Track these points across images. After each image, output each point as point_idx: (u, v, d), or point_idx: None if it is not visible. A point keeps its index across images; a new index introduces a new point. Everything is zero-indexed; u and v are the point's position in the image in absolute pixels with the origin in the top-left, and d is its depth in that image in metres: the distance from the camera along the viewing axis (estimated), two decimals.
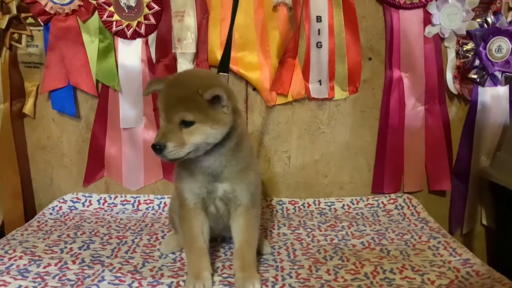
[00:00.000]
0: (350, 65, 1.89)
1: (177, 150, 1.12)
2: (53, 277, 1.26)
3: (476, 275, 1.28)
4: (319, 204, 1.95)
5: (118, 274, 1.29)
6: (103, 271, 1.31)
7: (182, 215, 1.31)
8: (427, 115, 1.93)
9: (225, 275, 1.30)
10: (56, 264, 1.34)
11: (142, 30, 1.84)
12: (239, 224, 1.30)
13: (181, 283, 1.25)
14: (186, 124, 1.13)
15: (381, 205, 1.93)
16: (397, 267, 1.34)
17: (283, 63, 1.87)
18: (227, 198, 1.28)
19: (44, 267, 1.32)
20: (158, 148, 1.11)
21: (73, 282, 1.24)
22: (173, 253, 1.46)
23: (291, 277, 1.30)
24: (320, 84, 1.90)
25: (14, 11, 1.82)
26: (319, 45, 1.87)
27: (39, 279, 1.25)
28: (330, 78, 1.90)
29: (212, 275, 1.26)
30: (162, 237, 1.59)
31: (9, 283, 1.21)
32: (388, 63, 1.90)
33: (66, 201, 1.91)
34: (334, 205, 1.95)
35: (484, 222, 1.99)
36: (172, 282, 1.25)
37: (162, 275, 1.30)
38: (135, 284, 1.24)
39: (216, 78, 1.34)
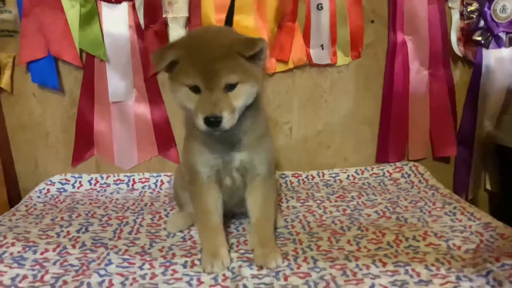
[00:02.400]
0: (352, 28, 1.80)
1: (231, 117, 1.02)
2: (54, 263, 1.14)
3: (501, 237, 1.25)
4: (323, 176, 1.89)
5: (126, 256, 1.19)
6: (108, 254, 1.20)
7: (194, 191, 1.21)
8: (431, 79, 1.88)
9: (242, 251, 1.21)
10: (54, 250, 1.22)
11: None
12: (256, 196, 1.21)
13: (196, 262, 1.16)
14: (230, 87, 1.02)
15: (387, 174, 1.88)
16: (419, 234, 1.29)
17: (282, 27, 1.76)
18: (244, 169, 1.19)
19: (42, 253, 1.20)
20: (214, 120, 0.99)
21: (77, 268, 1.12)
22: (180, 231, 1.36)
23: (311, 249, 1.22)
24: (322, 49, 1.81)
25: None
26: (319, 7, 1.77)
27: (37, 266, 1.13)
28: (332, 42, 1.80)
29: (229, 252, 1.18)
30: (166, 216, 1.48)
31: (5, 272, 1.09)
32: (391, 26, 1.82)
33: (54, 183, 1.77)
34: (338, 176, 1.89)
35: (488, 187, 1.98)
36: (186, 262, 1.16)
37: (173, 255, 1.20)
38: (146, 265, 1.14)
39: (235, 31, 1.20)
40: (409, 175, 1.84)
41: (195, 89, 1.03)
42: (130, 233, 1.35)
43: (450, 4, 1.83)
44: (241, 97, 1.04)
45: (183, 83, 1.03)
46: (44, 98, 1.78)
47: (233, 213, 1.42)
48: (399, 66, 1.84)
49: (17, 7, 1.68)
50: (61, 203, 1.63)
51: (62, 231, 1.35)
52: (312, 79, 1.86)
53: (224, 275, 1.09)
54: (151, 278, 1.08)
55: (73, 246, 1.24)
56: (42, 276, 1.08)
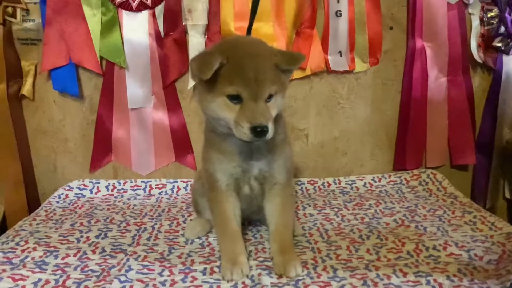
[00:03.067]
0: (371, 35, 1.80)
1: (272, 127, 1.04)
2: (75, 269, 1.15)
3: None
4: (339, 183, 1.88)
5: (145, 263, 1.19)
6: (127, 260, 1.21)
7: (213, 198, 1.21)
8: (450, 86, 1.86)
9: (261, 259, 1.21)
10: (75, 255, 1.23)
11: (149, 1, 1.71)
12: (275, 204, 1.21)
13: (215, 269, 1.16)
14: (269, 97, 1.05)
15: (404, 182, 1.86)
16: (439, 243, 1.27)
17: (300, 34, 1.77)
18: (262, 177, 1.19)
19: (63, 258, 1.21)
20: (261, 130, 1.00)
21: (98, 273, 1.13)
22: (199, 238, 1.36)
23: (330, 258, 1.21)
24: (341, 56, 1.80)
25: None
26: (338, 14, 1.77)
27: (59, 271, 1.14)
28: (350, 49, 1.80)
29: (248, 260, 1.17)
30: (184, 222, 1.49)
31: (27, 276, 1.10)
32: (410, 32, 1.81)
33: (72, 188, 1.79)
34: (355, 183, 1.87)
35: (507, 195, 1.94)
36: (205, 269, 1.16)
37: (192, 261, 1.20)
38: (166, 272, 1.14)
39: (265, 42, 1.22)
40: (427, 183, 1.82)
41: (236, 99, 1.03)
42: (148, 239, 1.36)
43: (470, 10, 1.81)
44: (276, 107, 1.08)
45: (223, 92, 1.03)
46: (64, 104, 1.81)
47: (249, 220, 1.42)
48: (418, 72, 1.83)
49: (41, 16, 1.71)
50: (80, 208, 1.64)
51: (82, 236, 1.37)
52: (329, 85, 1.86)
53: (243, 282, 1.09)
54: (171, 285, 1.08)
55: (93, 252, 1.25)
56: (64, 281, 1.09)
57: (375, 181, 1.88)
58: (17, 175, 1.77)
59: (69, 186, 1.80)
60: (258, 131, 1.00)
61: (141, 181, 1.84)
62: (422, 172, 1.88)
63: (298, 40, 1.77)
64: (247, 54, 1.05)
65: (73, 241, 1.33)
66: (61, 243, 1.31)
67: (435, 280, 1.07)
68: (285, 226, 1.21)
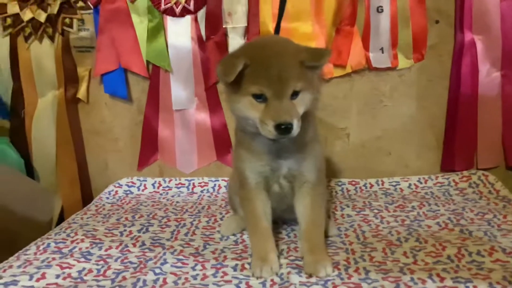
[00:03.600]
0: (415, 29, 1.73)
1: (298, 124, 1.05)
2: (115, 260, 1.23)
3: None
4: (382, 184, 1.82)
5: (180, 257, 1.24)
6: (164, 253, 1.27)
7: (243, 196, 1.23)
8: (504, 81, 1.74)
9: (292, 258, 1.21)
10: (117, 247, 1.31)
11: (191, 6, 1.77)
12: (305, 203, 1.21)
13: (246, 265, 1.18)
14: (294, 94, 1.05)
15: (453, 184, 1.76)
16: (484, 249, 1.20)
17: (340, 31, 1.74)
18: (291, 176, 1.19)
19: (106, 250, 1.30)
20: (286, 127, 1.01)
21: (135, 265, 1.20)
22: (233, 234, 1.40)
23: (364, 260, 1.19)
24: (382, 52, 1.75)
25: None
26: (379, 9, 1.72)
27: (102, 262, 1.22)
28: (392, 45, 1.74)
29: (278, 257, 1.18)
30: (221, 219, 1.53)
31: (73, 265, 1.19)
32: (458, 25, 1.72)
33: (122, 185, 1.90)
34: (399, 184, 1.81)
35: None
36: (237, 265, 1.19)
37: (225, 257, 1.23)
38: (199, 266, 1.19)
39: (293, 41, 1.23)
40: (477, 185, 1.71)
41: (260, 98, 1.05)
42: (186, 234, 1.41)
43: None
44: (303, 104, 1.07)
45: (248, 92, 1.05)
46: (114, 106, 1.93)
47: (284, 219, 1.43)
48: (467, 67, 1.73)
49: (94, 25, 1.84)
50: (127, 204, 1.74)
51: (125, 230, 1.45)
52: (371, 83, 1.81)
53: (272, 280, 1.10)
54: (202, 279, 1.12)
55: (134, 245, 1.33)
56: (105, 271, 1.17)
57: (421, 183, 1.80)
58: (73, 172, 1.92)
59: (118, 183, 1.91)
60: (283, 128, 1.01)
61: (185, 179, 1.92)
62: (473, 174, 1.77)
63: (337, 38, 1.75)
64: (270, 53, 1.06)
65: (117, 234, 1.42)
66: (106, 236, 1.40)
67: (475, 287, 1.01)
68: (316, 225, 1.20)
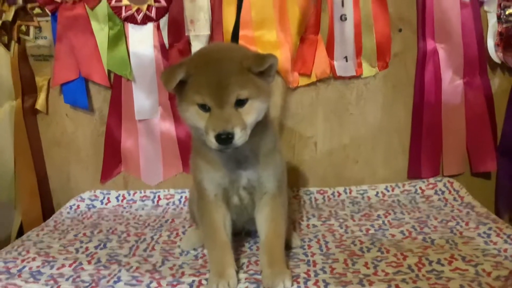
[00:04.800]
0: (379, 38, 1.73)
1: (243, 134, 1.00)
2: (67, 279, 1.17)
3: None
4: (350, 193, 1.81)
5: (136, 274, 1.19)
6: (119, 271, 1.21)
7: (201, 208, 1.19)
8: (467, 89, 1.75)
9: (251, 272, 1.18)
10: (70, 265, 1.25)
11: (153, 14, 1.73)
12: (265, 214, 1.18)
13: (204, 281, 1.14)
14: (240, 103, 1.01)
15: (419, 191, 1.76)
16: (444, 257, 1.19)
17: (305, 40, 1.73)
18: (251, 187, 1.16)
19: (58, 268, 1.24)
20: (226, 137, 0.97)
21: (87, 284, 1.14)
22: (194, 249, 1.35)
23: (325, 272, 1.16)
24: (346, 61, 1.75)
25: (20, 1, 1.74)
26: (343, 18, 1.72)
27: (51, 282, 1.16)
28: (357, 53, 1.74)
29: (237, 272, 1.14)
30: (183, 233, 1.48)
31: (20, 286, 1.13)
32: (420, 34, 1.73)
33: (84, 199, 1.84)
34: (367, 193, 1.80)
35: None
36: (193, 281, 1.14)
37: (182, 273, 1.19)
38: (154, 284, 1.14)
39: (245, 47, 1.20)
40: (443, 192, 1.72)
41: (205, 107, 1.02)
42: (145, 250, 1.36)
43: (486, 8, 1.70)
44: (252, 113, 1.02)
45: (193, 102, 1.02)
46: (76, 117, 1.86)
47: (247, 231, 1.39)
48: (430, 75, 1.74)
49: (52, 33, 1.78)
50: (88, 219, 1.68)
51: (82, 246, 1.39)
52: (337, 92, 1.80)
53: None
54: None
55: (89, 262, 1.27)
56: None
57: (388, 191, 1.80)
58: (32, 186, 1.84)
59: (81, 197, 1.85)
60: (223, 138, 0.97)
61: (150, 192, 1.86)
62: (439, 181, 1.78)
63: (302, 46, 1.74)
64: (211, 60, 1.03)
65: (72, 252, 1.36)
66: (60, 253, 1.34)
67: None
68: (276, 237, 1.17)
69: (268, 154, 1.15)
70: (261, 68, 1.00)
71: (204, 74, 1.00)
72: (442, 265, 1.15)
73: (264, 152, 1.14)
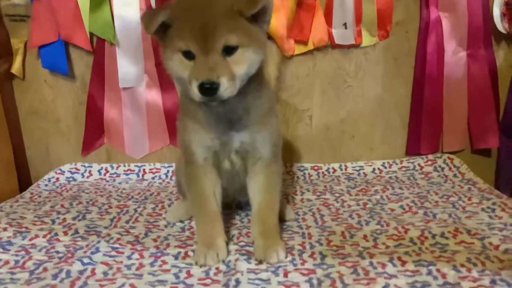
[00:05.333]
0: (380, 5, 1.64)
1: (231, 85, 0.89)
2: (39, 250, 1.07)
3: None
4: (346, 169, 1.73)
5: (116, 245, 1.10)
6: (98, 242, 1.12)
7: (189, 174, 1.09)
8: (470, 61, 1.67)
9: (242, 244, 1.09)
10: (44, 236, 1.15)
11: None
12: (258, 182, 1.08)
13: (190, 253, 1.05)
14: (229, 50, 0.90)
15: (418, 168, 1.70)
16: (448, 230, 1.12)
17: (302, 5, 1.63)
18: (244, 151, 1.06)
19: (31, 239, 1.13)
20: (210, 87, 0.86)
21: (61, 255, 1.04)
22: (181, 221, 1.26)
23: (321, 244, 1.08)
24: (346, 29, 1.65)
25: None
26: None
27: (22, 252, 1.06)
28: (356, 21, 1.65)
29: (227, 244, 1.06)
30: (169, 206, 1.39)
31: None
32: (424, 2, 1.64)
33: (64, 172, 1.73)
34: (363, 169, 1.72)
35: None
36: (179, 253, 1.05)
37: (167, 245, 1.10)
38: (135, 255, 1.04)
39: None
40: (442, 169, 1.65)
41: (190, 55, 0.91)
42: (127, 222, 1.27)
43: None
44: (242, 63, 0.91)
45: (176, 49, 0.92)
46: (55, 84, 1.74)
47: (238, 203, 1.30)
48: (433, 46, 1.66)
49: None
50: (67, 191, 1.57)
51: (58, 218, 1.29)
52: (334, 62, 1.71)
53: (217, 268, 0.98)
54: (137, 269, 0.98)
55: (65, 233, 1.17)
56: (24, 262, 1.01)
57: (385, 167, 1.72)
58: (8, 158, 1.71)
59: (60, 169, 1.73)
60: (206, 88, 0.86)
61: (135, 165, 1.76)
62: (438, 157, 1.71)
63: (299, 11, 1.63)
64: (198, 2, 0.92)
65: (48, 223, 1.25)
66: (34, 224, 1.23)
67: (438, 270, 0.92)
68: (269, 206, 1.08)
69: (263, 115, 1.05)
70: (253, 9, 0.89)
71: (189, 17, 0.90)
72: (447, 238, 1.08)
73: (259, 113, 1.04)
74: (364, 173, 1.70)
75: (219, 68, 0.88)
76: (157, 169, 1.75)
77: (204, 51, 0.89)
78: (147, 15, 0.93)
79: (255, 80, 0.99)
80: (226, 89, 0.88)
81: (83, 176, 1.72)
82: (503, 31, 1.63)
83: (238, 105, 0.99)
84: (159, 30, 0.92)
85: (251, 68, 0.93)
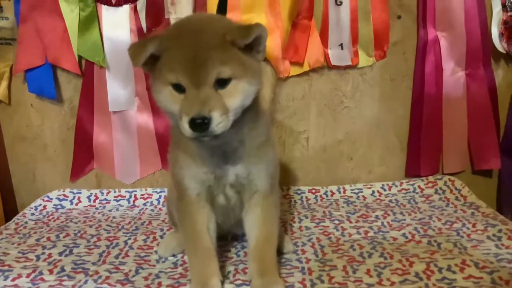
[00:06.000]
0: (376, 25, 1.60)
1: (224, 119, 0.84)
2: None
3: None
4: (344, 192, 1.68)
5: (104, 285, 1.03)
6: (85, 281, 1.05)
7: (182, 209, 1.04)
8: (469, 81, 1.64)
9: (238, 282, 1.03)
10: (28, 275, 1.08)
11: None
12: (255, 215, 1.03)
13: None
14: (222, 83, 0.85)
15: (418, 190, 1.65)
16: (455, 263, 1.06)
17: (297, 25, 1.59)
18: (240, 184, 1.01)
19: (13, 280, 1.06)
20: (201, 122, 0.81)
21: None
22: (173, 255, 1.20)
23: (322, 281, 1.02)
24: (342, 49, 1.62)
25: None
26: (338, 2, 1.59)
27: None
28: (353, 41, 1.61)
29: (222, 283, 1.00)
30: (161, 237, 1.32)
31: None
32: (421, 21, 1.61)
33: (52, 199, 1.66)
34: (362, 192, 1.67)
35: None
36: None
37: (159, 284, 1.04)
38: None
39: (230, 19, 1.04)
40: (444, 191, 1.60)
41: (180, 88, 0.86)
42: (117, 256, 1.20)
43: None
44: (236, 96, 0.86)
45: (166, 81, 0.87)
46: (42, 108, 1.68)
47: (234, 235, 1.24)
48: (431, 66, 1.62)
49: (15, 13, 1.60)
50: (54, 221, 1.50)
51: (44, 253, 1.22)
52: (331, 83, 1.67)
53: None
54: None
55: (50, 272, 1.10)
56: None
57: (385, 190, 1.67)
58: None
59: (48, 196, 1.66)
60: (198, 123, 0.81)
61: (126, 191, 1.69)
62: (439, 179, 1.66)
63: (294, 32, 1.60)
64: (189, 32, 0.87)
65: (32, 259, 1.18)
66: (18, 261, 1.16)
67: None
68: (267, 241, 1.02)
69: (259, 147, 1.00)
70: (246, 40, 0.84)
71: (179, 48, 0.85)
72: (454, 272, 1.03)
73: (255, 145, 0.99)
74: (363, 196, 1.65)
75: (211, 102, 0.83)
76: (148, 194, 1.68)
77: (195, 84, 0.84)
78: (134, 47, 0.88)
79: (251, 111, 0.94)
80: (219, 123, 0.83)
81: (71, 203, 1.65)
82: (501, 50, 1.61)
83: (232, 138, 0.94)
84: (148, 62, 0.87)
85: (245, 100, 0.88)
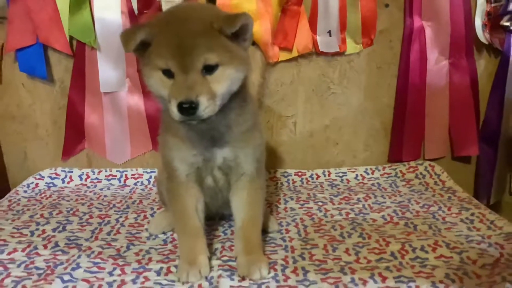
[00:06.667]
0: (364, 13, 1.64)
1: (210, 104, 0.88)
2: (18, 265, 1.05)
3: None
4: (329, 175, 1.74)
5: (97, 260, 1.08)
6: (79, 256, 1.10)
7: (171, 190, 1.08)
8: (452, 70, 1.70)
9: (225, 258, 1.09)
10: (23, 250, 1.13)
11: None
12: (242, 197, 1.08)
13: (173, 268, 1.04)
14: (210, 69, 0.89)
15: (400, 174, 1.72)
16: (428, 244, 1.13)
17: (287, 11, 1.62)
18: (227, 167, 1.05)
19: (9, 254, 1.11)
20: (189, 107, 0.85)
21: (41, 271, 1.02)
22: (163, 233, 1.25)
23: (303, 258, 1.09)
24: (330, 36, 1.65)
25: None
26: None
27: (1, 268, 1.03)
28: (341, 28, 1.65)
29: (210, 259, 1.05)
30: (151, 215, 1.37)
31: None
32: (407, 10, 1.65)
33: (43, 177, 1.69)
34: (346, 175, 1.74)
35: None
36: (161, 268, 1.04)
37: (149, 259, 1.09)
38: (117, 271, 1.03)
39: (219, 8, 1.08)
40: (424, 176, 1.67)
41: (169, 73, 0.90)
42: (109, 233, 1.25)
43: None
44: (223, 81, 0.91)
45: (156, 67, 0.91)
46: (33, 88, 1.69)
47: (222, 215, 1.30)
48: (416, 55, 1.67)
49: None
50: (47, 198, 1.54)
51: (38, 229, 1.26)
52: (319, 69, 1.71)
53: (200, 285, 0.97)
54: (118, 286, 0.97)
55: (45, 247, 1.15)
56: (3, 279, 0.98)
57: (368, 173, 1.74)
58: None
59: (40, 174, 1.70)
60: (185, 107, 0.86)
61: (117, 171, 1.73)
62: (420, 164, 1.73)
63: (284, 18, 1.63)
64: (178, 20, 0.91)
65: (27, 234, 1.23)
66: (13, 237, 1.21)
67: (417, 287, 0.94)
68: (253, 222, 1.07)
69: (246, 131, 1.04)
70: (233, 28, 0.89)
71: (168, 35, 0.89)
72: (426, 252, 1.10)
73: (242, 129, 1.04)
74: (347, 179, 1.72)
75: (198, 87, 0.87)
76: (139, 174, 1.73)
77: (183, 70, 0.88)
78: (126, 33, 0.92)
79: (238, 96, 0.98)
80: (206, 108, 0.87)
81: (63, 182, 1.69)
82: (484, 41, 1.66)
83: (220, 122, 0.98)
84: (139, 47, 0.91)
85: (232, 86, 0.93)
